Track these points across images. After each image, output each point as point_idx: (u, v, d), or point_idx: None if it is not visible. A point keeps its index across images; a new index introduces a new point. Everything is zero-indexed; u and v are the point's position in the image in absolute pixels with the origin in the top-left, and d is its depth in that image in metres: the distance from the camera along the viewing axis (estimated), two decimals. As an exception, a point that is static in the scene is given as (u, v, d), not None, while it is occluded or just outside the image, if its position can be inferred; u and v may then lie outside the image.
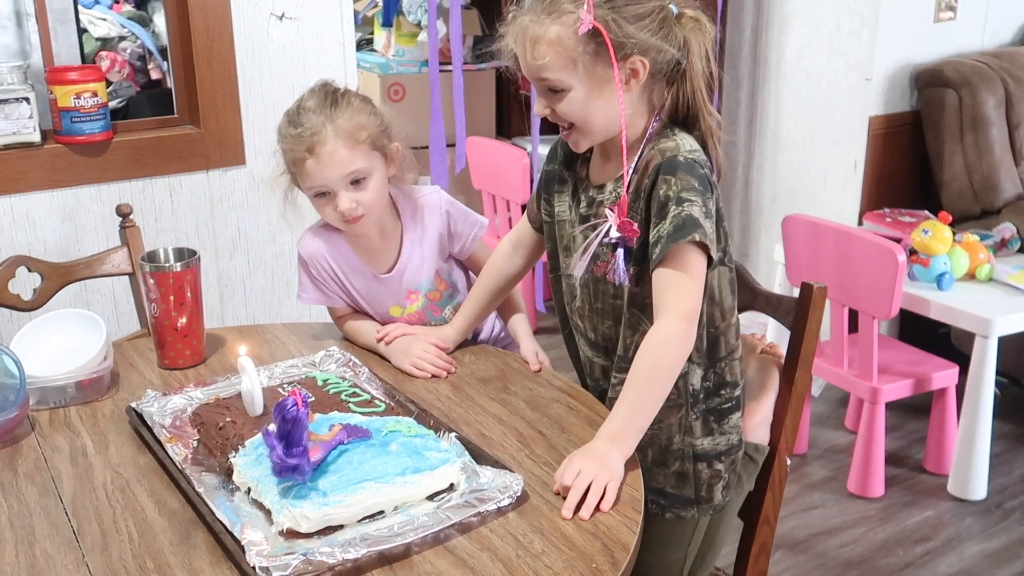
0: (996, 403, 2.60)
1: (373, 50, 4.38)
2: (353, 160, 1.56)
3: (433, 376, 1.57)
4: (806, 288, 1.49)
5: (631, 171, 1.38)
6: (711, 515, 1.50)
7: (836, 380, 2.75)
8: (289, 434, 1.11)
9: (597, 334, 1.50)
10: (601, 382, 1.53)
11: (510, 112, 4.59)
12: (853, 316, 2.66)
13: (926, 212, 3.17)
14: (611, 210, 1.38)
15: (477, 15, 4.32)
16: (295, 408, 1.10)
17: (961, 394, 2.63)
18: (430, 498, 1.17)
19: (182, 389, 1.48)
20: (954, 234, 2.72)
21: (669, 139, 1.36)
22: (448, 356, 1.62)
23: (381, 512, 1.13)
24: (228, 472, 1.22)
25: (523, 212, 1.67)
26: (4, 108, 2.17)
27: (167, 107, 2.60)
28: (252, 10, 2.40)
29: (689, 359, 1.37)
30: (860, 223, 3.26)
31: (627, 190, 1.37)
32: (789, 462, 1.56)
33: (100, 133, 2.26)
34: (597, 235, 1.39)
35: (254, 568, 1.02)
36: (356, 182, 1.58)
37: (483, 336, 1.80)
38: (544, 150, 1.60)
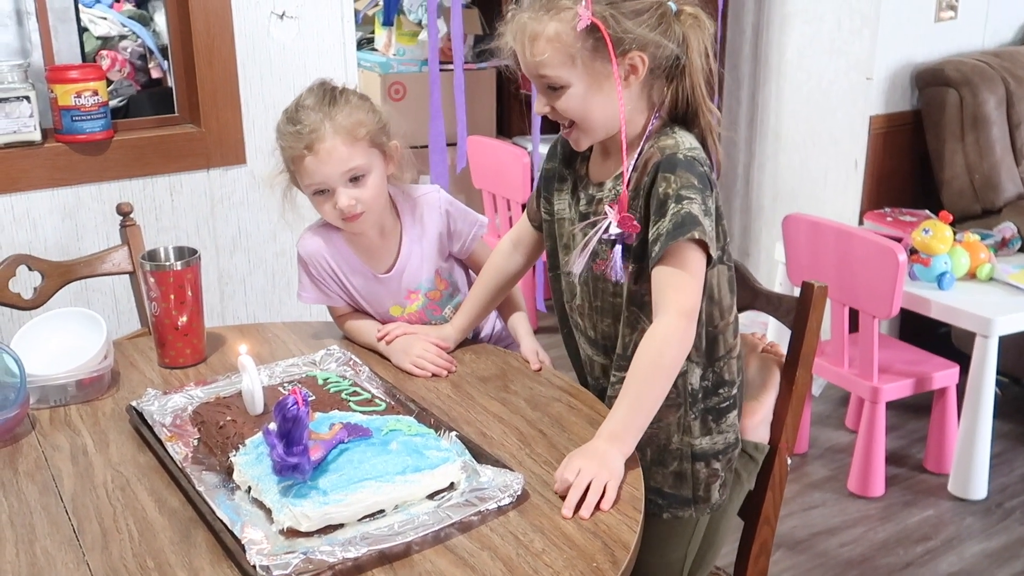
0: (996, 403, 2.60)
1: (374, 49, 4.38)
2: (352, 157, 1.56)
3: (433, 375, 1.57)
4: (807, 287, 1.49)
5: (630, 168, 1.38)
6: (709, 514, 1.50)
7: (836, 379, 2.75)
8: (289, 433, 1.11)
9: (597, 332, 1.50)
10: (601, 380, 1.53)
11: (511, 111, 4.59)
12: (854, 315, 2.66)
13: (927, 211, 3.17)
14: (611, 207, 1.38)
15: (478, 14, 4.32)
16: (295, 407, 1.10)
17: (962, 394, 2.63)
18: (430, 497, 1.17)
19: (182, 388, 1.48)
20: (955, 233, 2.72)
21: (669, 137, 1.36)
22: (448, 355, 1.62)
23: (381, 511, 1.13)
24: (228, 471, 1.22)
25: (523, 211, 1.67)
26: (4, 107, 2.17)
27: (167, 106, 2.60)
28: (253, 9, 2.40)
29: (688, 358, 1.37)
30: (861, 222, 3.26)
31: (627, 187, 1.37)
32: (789, 461, 1.56)
33: (101, 132, 2.26)
34: (596, 232, 1.39)
35: (254, 567, 1.02)
36: (355, 179, 1.58)
37: (483, 334, 1.80)
38: (545, 149, 1.60)
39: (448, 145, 3.47)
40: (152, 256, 1.63)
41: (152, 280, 1.58)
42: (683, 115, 1.40)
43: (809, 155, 3.47)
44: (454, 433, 1.29)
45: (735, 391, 1.49)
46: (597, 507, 1.17)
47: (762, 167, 3.69)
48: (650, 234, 1.33)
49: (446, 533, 1.12)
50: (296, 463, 1.11)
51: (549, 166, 1.54)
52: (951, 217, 2.79)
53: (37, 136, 2.23)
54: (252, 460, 1.19)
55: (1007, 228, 2.90)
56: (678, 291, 1.31)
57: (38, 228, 2.28)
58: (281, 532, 1.10)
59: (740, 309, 1.62)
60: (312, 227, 1.72)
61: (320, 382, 1.46)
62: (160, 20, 3.93)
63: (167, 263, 1.61)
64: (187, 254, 1.62)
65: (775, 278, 3.09)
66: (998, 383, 2.64)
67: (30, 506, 1.21)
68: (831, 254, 2.61)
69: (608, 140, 1.41)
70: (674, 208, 1.30)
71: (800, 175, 3.52)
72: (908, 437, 2.98)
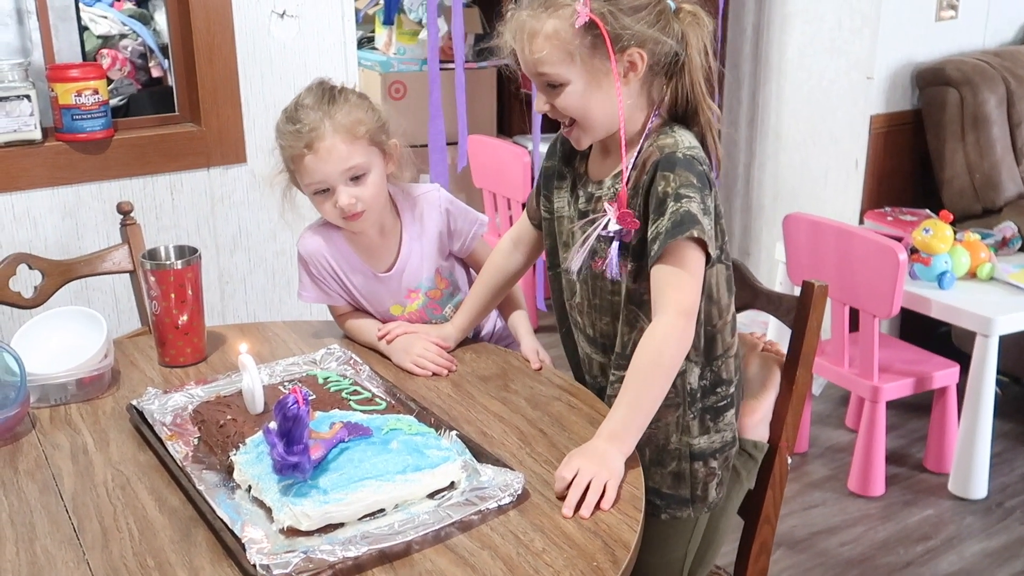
0: (997, 402, 2.60)
1: (374, 48, 4.38)
2: (352, 155, 1.56)
3: (434, 374, 1.57)
4: (807, 287, 1.49)
5: (630, 167, 1.38)
6: (707, 513, 1.50)
7: (837, 379, 2.75)
8: (290, 432, 1.11)
9: (595, 330, 1.50)
10: (599, 379, 1.53)
11: (511, 110, 4.59)
12: (854, 315, 2.66)
13: (927, 211, 3.17)
14: (610, 205, 1.38)
15: (478, 13, 4.32)
16: (296, 406, 1.10)
17: (962, 393, 2.63)
18: (431, 496, 1.17)
19: (183, 387, 1.48)
20: (955, 233, 2.72)
21: (668, 136, 1.37)
22: (449, 354, 1.62)
23: (382, 510, 1.13)
24: (229, 470, 1.22)
25: (524, 210, 1.67)
26: (5, 105, 2.17)
27: (168, 105, 2.60)
28: (253, 8, 2.40)
29: (687, 357, 1.37)
30: (861, 222, 3.26)
31: (626, 184, 1.37)
32: (790, 461, 1.56)
33: (101, 131, 2.26)
34: (595, 229, 1.39)
35: (254, 566, 1.02)
36: (355, 178, 1.58)
37: (484, 332, 1.80)
38: (545, 148, 1.60)
39: (449, 144, 3.47)
40: (152, 255, 1.63)
41: (152, 279, 1.58)
42: (683, 113, 1.40)
43: (810, 154, 3.47)
44: (454, 432, 1.29)
45: (733, 390, 1.49)
46: (597, 506, 1.17)
47: (763, 166, 3.69)
48: (649, 233, 1.34)
49: (446, 532, 1.12)
50: (296, 462, 1.11)
51: (549, 164, 1.54)
52: (951, 216, 2.79)
53: (37, 135, 2.23)
54: (252, 459, 1.19)
55: (1007, 227, 2.90)
56: (677, 290, 1.31)
57: (38, 227, 2.28)
58: (281, 531, 1.10)
59: (740, 308, 1.62)
60: (312, 226, 1.72)
61: (320, 381, 1.46)
62: (161, 19, 3.92)
63: (167, 262, 1.61)
64: (187, 253, 1.62)
65: (775, 277, 3.09)
66: (998, 382, 2.64)
67: (30, 505, 1.21)
68: (831, 253, 2.61)
69: (608, 138, 1.41)
70: (673, 207, 1.30)
71: (801, 174, 3.52)
72: (908, 436, 2.98)
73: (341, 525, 1.11)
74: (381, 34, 4.31)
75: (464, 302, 1.69)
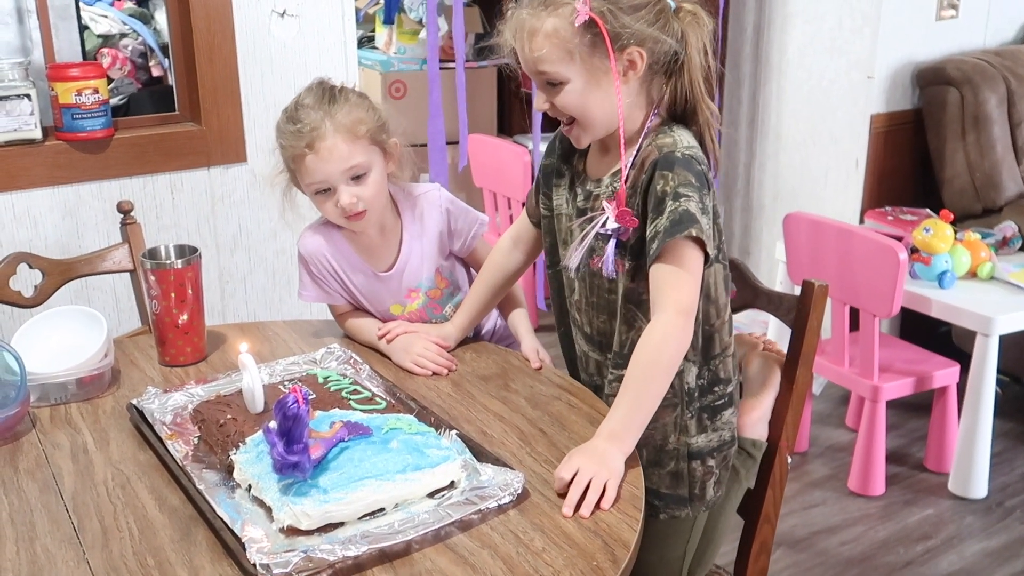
0: (997, 401, 2.60)
1: (375, 47, 4.38)
2: (353, 155, 1.56)
3: (434, 374, 1.57)
4: (807, 286, 1.49)
5: (629, 167, 1.38)
6: (705, 512, 1.50)
7: (837, 378, 2.75)
8: (290, 431, 1.11)
9: (592, 328, 1.50)
10: (595, 377, 1.53)
11: (511, 110, 4.59)
12: (854, 314, 2.66)
13: (927, 210, 3.17)
14: (608, 203, 1.38)
15: (479, 12, 4.32)
16: (296, 405, 1.10)
17: (962, 392, 2.63)
18: (431, 495, 1.17)
19: (183, 386, 1.48)
20: (955, 232, 2.72)
21: (667, 135, 1.37)
22: (449, 354, 1.62)
23: (382, 509, 1.13)
24: (229, 469, 1.22)
25: (524, 209, 1.67)
26: (5, 105, 2.17)
27: (168, 104, 2.60)
28: (253, 7, 2.40)
29: (684, 357, 1.37)
30: (861, 221, 3.26)
31: (625, 182, 1.37)
32: (790, 460, 1.56)
33: (101, 130, 2.26)
34: (593, 227, 1.39)
35: (254, 565, 1.02)
36: (356, 178, 1.58)
37: (484, 331, 1.80)
38: (545, 147, 1.60)
39: (450, 143, 3.47)
40: (153, 254, 1.63)
41: (153, 278, 1.58)
42: (682, 112, 1.40)
43: (810, 154, 3.46)
44: (454, 432, 1.29)
45: (730, 389, 1.49)
46: (597, 506, 1.17)
47: (763, 166, 3.69)
48: (647, 232, 1.34)
49: (446, 531, 1.12)
50: (296, 461, 1.11)
51: (548, 162, 1.55)
52: (952, 216, 2.79)
53: (38, 134, 2.23)
54: (252, 458, 1.19)
55: (1008, 227, 2.90)
56: (676, 289, 1.31)
57: (39, 226, 2.28)
58: (281, 530, 1.10)
59: (740, 308, 1.63)
60: (313, 225, 1.72)
61: (320, 380, 1.46)
62: (161, 18, 3.93)
63: (168, 261, 1.61)
64: (188, 252, 1.62)
65: (776, 277, 3.09)
66: (998, 382, 2.64)
67: (30, 504, 1.21)
68: (832, 253, 2.61)
69: (607, 136, 1.41)
70: (672, 205, 1.31)
71: (801, 174, 3.52)
72: (908, 436, 2.98)
73: (341, 524, 1.11)
74: (381, 33, 4.31)
75: (464, 301, 1.70)
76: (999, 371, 2.61)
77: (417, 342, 1.61)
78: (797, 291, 1.54)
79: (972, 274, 2.72)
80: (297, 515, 1.09)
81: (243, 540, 1.07)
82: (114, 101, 3.50)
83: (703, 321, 1.42)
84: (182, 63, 2.44)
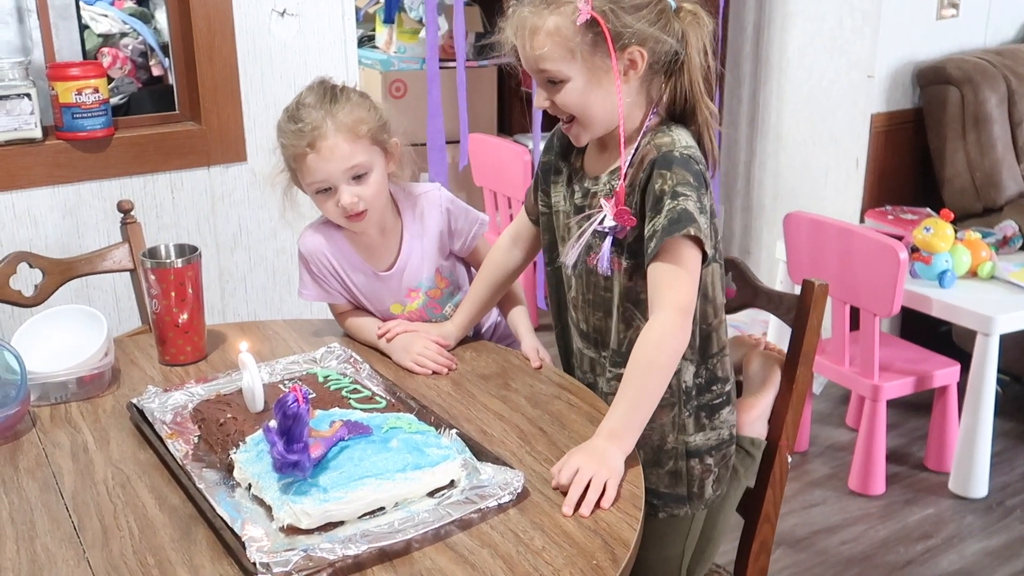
0: (997, 401, 2.60)
1: (375, 47, 4.38)
2: (354, 154, 1.56)
3: (434, 373, 1.57)
4: (807, 285, 1.49)
5: (628, 166, 1.38)
6: (704, 510, 1.50)
7: (837, 378, 2.75)
8: (290, 430, 1.11)
9: (588, 325, 1.50)
10: (588, 375, 1.54)
11: (512, 109, 4.59)
12: (855, 313, 2.66)
13: (928, 210, 3.17)
14: (606, 201, 1.38)
15: (479, 11, 4.32)
16: (296, 404, 1.10)
17: (962, 392, 2.63)
18: (431, 494, 1.17)
19: (183, 385, 1.48)
20: (956, 232, 2.72)
21: (665, 135, 1.37)
22: (449, 353, 1.62)
23: (382, 508, 1.13)
24: (229, 468, 1.22)
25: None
26: (5, 104, 2.17)
27: (168, 104, 2.60)
28: (253, 6, 2.40)
29: (683, 356, 1.37)
30: (862, 220, 3.25)
31: (628, 179, 1.37)
32: (790, 459, 1.56)
33: (101, 129, 2.26)
34: (591, 224, 1.39)
35: (255, 564, 1.02)
36: (357, 177, 1.58)
37: (485, 328, 1.80)
38: (546, 147, 1.60)
39: (451, 143, 3.46)
40: (153, 253, 1.63)
41: (153, 277, 1.58)
42: (681, 112, 1.41)
43: (810, 153, 3.46)
44: (454, 431, 1.29)
45: (728, 387, 1.50)
46: (597, 505, 1.17)
47: (763, 165, 3.69)
48: (646, 230, 1.34)
49: (446, 531, 1.12)
50: (296, 460, 1.11)
51: (546, 159, 1.55)
52: (952, 215, 2.78)
53: (38, 133, 2.23)
54: (252, 457, 1.19)
55: (1008, 226, 2.90)
56: (674, 287, 1.31)
57: (39, 225, 2.28)
58: (281, 529, 1.10)
59: (740, 307, 1.63)
60: (313, 224, 1.72)
61: (320, 379, 1.46)
62: (161, 17, 3.93)
63: (168, 260, 1.61)
64: (188, 251, 1.62)
65: (776, 276, 3.09)
66: (999, 381, 2.64)
67: (31, 503, 1.21)
68: (832, 252, 2.61)
69: (605, 134, 1.42)
70: (670, 204, 1.31)
71: (801, 173, 3.52)
72: (909, 435, 2.98)
73: (341, 523, 1.11)
74: (382, 32, 4.31)
75: (464, 300, 1.70)
76: (999, 370, 2.61)
77: (417, 341, 1.61)
78: (797, 290, 1.54)
79: (972, 273, 2.72)
80: (297, 514, 1.09)
81: (243, 539, 1.07)
82: (114, 100, 3.51)
83: (700, 320, 1.42)
84: (182, 62, 2.44)
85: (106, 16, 3.91)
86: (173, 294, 1.58)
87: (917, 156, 3.35)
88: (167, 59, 3.55)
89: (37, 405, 1.46)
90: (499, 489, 1.17)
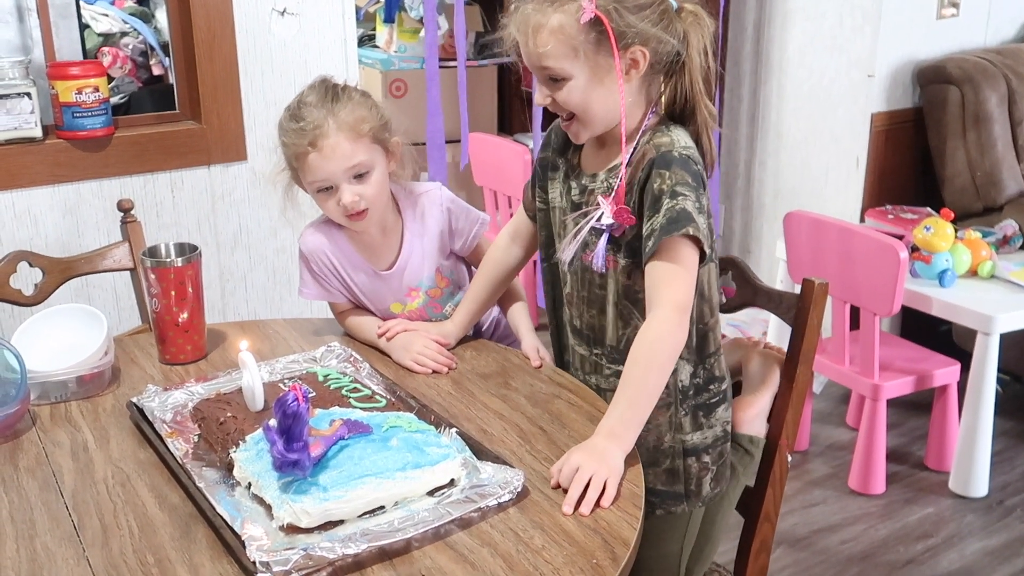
0: (997, 400, 2.60)
1: (375, 46, 4.38)
2: (355, 153, 1.56)
3: (434, 372, 1.57)
4: (807, 284, 1.49)
5: (626, 164, 1.38)
6: (701, 507, 1.50)
7: (837, 377, 2.75)
8: (290, 429, 1.11)
9: (581, 322, 1.50)
10: (579, 372, 1.54)
11: (512, 108, 4.59)
12: (855, 313, 2.66)
13: (928, 209, 3.17)
14: (603, 198, 1.39)
15: (479, 11, 4.32)
16: (296, 403, 1.10)
17: (962, 391, 2.63)
18: (430, 493, 1.17)
19: (183, 384, 1.48)
20: (956, 231, 2.72)
21: (664, 134, 1.38)
22: (449, 352, 1.62)
23: (381, 507, 1.13)
24: (229, 467, 1.22)
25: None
26: (5, 103, 2.17)
27: (169, 103, 2.60)
28: (253, 5, 2.40)
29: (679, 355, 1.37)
30: (862, 220, 3.25)
31: (628, 178, 1.37)
32: (790, 458, 1.56)
33: (101, 128, 2.26)
34: (588, 221, 1.40)
35: (254, 563, 1.02)
36: (359, 176, 1.58)
37: (485, 326, 1.80)
38: (546, 146, 1.60)
39: (451, 142, 3.46)
40: (153, 252, 1.63)
41: (153, 276, 1.58)
42: (680, 112, 1.41)
43: (810, 152, 3.46)
44: (454, 430, 1.29)
45: (724, 386, 1.50)
46: (597, 504, 1.17)
47: (763, 164, 3.68)
48: (644, 229, 1.34)
49: (446, 529, 1.12)
50: (296, 459, 1.11)
51: (543, 155, 1.55)
52: (952, 214, 2.78)
53: (38, 132, 2.23)
54: (252, 456, 1.19)
55: (1008, 225, 2.90)
56: (671, 286, 1.32)
57: (39, 224, 2.28)
58: (281, 528, 1.10)
59: (741, 306, 1.63)
60: (314, 223, 1.72)
61: (320, 378, 1.46)
62: (161, 17, 3.93)
63: (168, 259, 1.61)
64: (188, 250, 1.62)
65: (776, 275, 3.09)
66: (999, 381, 2.64)
67: (30, 502, 1.21)
68: (832, 251, 2.61)
69: (604, 132, 1.42)
70: (668, 203, 1.31)
71: (801, 172, 3.52)
72: (909, 435, 2.98)
73: (341, 522, 1.11)
74: (382, 32, 4.31)
75: (463, 299, 1.70)
76: (1000, 370, 2.61)
77: (417, 340, 1.61)
78: (797, 289, 1.54)
79: (973, 273, 2.72)
80: (297, 513, 1.09)
81: (243, 538, 1.07)
82: (115, 100, 3.51)
83: (697, 320, 1.43)
84: (182, 62, 2.44)
85: (106, 15, 3.91)
86: (173, 293, 1.58)
87: (917, 155, 3.35)
88: (167, 58, 3.55)
89: (37, 404, 1.46)
90: (499, 488, 1.17)
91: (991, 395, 2.55)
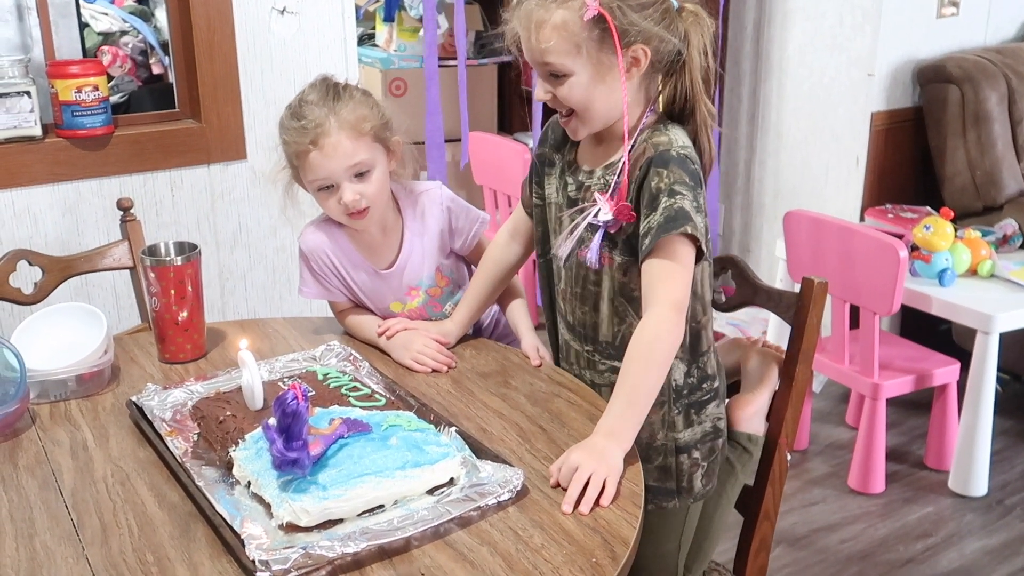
0: (997, 399, 2.60)
1: (375, 45, 4.38)
2: (357, 152, 1.56)
3: (434, 371, 1.57)
4: (806, 283, 1.49)
5: (624, 160, 1.39)
6: (692, 503, 1.51)
7: (837, 376, 2.75)
8: (289, 428, 1.11)
9: (575, 318, 1.51)
10: (574, 366, 1.55)
11: (512, 107, 4.59)
12: (855, 312, 2.66)
13: (928, 208, 3.17)
14: (600, 195, 1.39)
15: (479, 10, 4.32)
16: (295, 402, 1.10)
17: (962, 390, 2.63)
18: (430, 492, 1.17)
19: (182, 383, 1.48)
20: (956, 230, 2.72)
21: (662, 133, 1.38)
22: (449, 351, 1.62)
23: (381, 506, 1.14)
24: (228, 466, 1.22)
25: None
26: (5, 102, 2.17)
27: (168, 102, 2.60)
28: (253, 4, 2.40)
29: None
30: (862, 219, 3.25)
31: (627, 175, 1.37)
32: (789, 457, 1.56)
33: (101, 127, 2.26)
34: (585, 218, 1.40)
35: (254, 561, 1.02)
36: (360, 175, 1.58)
37: (485, 323, 1.80)
38: (545, 144, 1.60)
39: (451, 141, 3.46)
40: (152, 251, 1.63)
41: (152, 275, 1.58)
42: (680, 111, 1.42)
43: (810, 151, 3.46)
44: (454, 428, 1.29)
45: (716, 384, 1.51)
46: (597, 503, 1.17)
47: (763, 164, 3.68)
48: (641, 227, 1.35)
49: (445, 528, 1.12)
50: (296, 458, 1.11)
51: (540, 151, 1.56)
52: (952, 214, 2.78)
53: (38, 131, 2.23)
54: (252, 455, 1.19)
55: (1008, 225, 2.90)
56: (668, 283, 1.32)
57: (38, 223, 2.28)
58: (280, 527, 1.10)
59: (740, 305, 1.63)
60: (314, 222, 1.72)
61: (320, 377, 1.46)
62: (161, 16, 3.92)
63: (167, 258, 1.61)
64: (187, 249, 1.62)
65: (776, 274, 3.09)
66: (999, 380, 2.64)
67: (30, 500, 1.21)
68: (832, 250, 2.60)
69: (602, 129, 1.42)
70: (666, 202, 1.32)
71: (801, 172, 3.52)
72: (909, 434, 2.98)
73: (340, 521, 1.11)
74: (382, 31, 4.30)
75: (463, 297, 1.70)
76: (999, 369, 2.61)
77: (417, 339, 1.61)
78: (797, 289, 1.54)
79: (972, 272, 2.72)
80: (296, 511, 1.09)
81: (242, 536, 1.07)
82: (114, 99, 3.51)
83: (690, 318, 1.43)
84: (182, 60, 2.44)
85: (106, 14, 3.91)
86: (173, 292, 1.58)
87: (917, 154, 3.34)
88: (167, 57, 3.54)
89: (36, 403, 1.46)
90: (498, 487, 1.17)
91: (991, 394, 2.55)
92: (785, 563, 2.38)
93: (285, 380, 1.47)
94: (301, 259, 1.72)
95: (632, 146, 1.39)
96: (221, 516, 1.12)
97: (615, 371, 1.33)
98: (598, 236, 1.40)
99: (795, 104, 3.49)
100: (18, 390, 1.39)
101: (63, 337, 1.56)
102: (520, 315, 1.73)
